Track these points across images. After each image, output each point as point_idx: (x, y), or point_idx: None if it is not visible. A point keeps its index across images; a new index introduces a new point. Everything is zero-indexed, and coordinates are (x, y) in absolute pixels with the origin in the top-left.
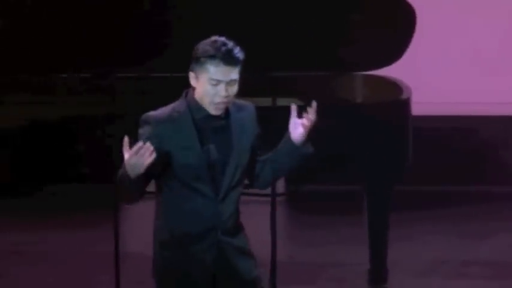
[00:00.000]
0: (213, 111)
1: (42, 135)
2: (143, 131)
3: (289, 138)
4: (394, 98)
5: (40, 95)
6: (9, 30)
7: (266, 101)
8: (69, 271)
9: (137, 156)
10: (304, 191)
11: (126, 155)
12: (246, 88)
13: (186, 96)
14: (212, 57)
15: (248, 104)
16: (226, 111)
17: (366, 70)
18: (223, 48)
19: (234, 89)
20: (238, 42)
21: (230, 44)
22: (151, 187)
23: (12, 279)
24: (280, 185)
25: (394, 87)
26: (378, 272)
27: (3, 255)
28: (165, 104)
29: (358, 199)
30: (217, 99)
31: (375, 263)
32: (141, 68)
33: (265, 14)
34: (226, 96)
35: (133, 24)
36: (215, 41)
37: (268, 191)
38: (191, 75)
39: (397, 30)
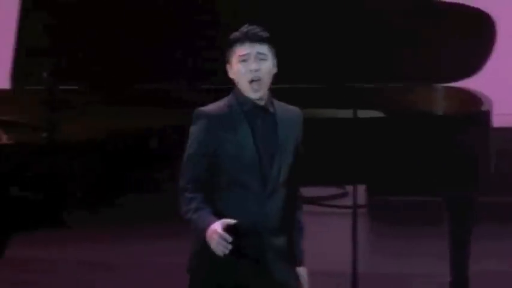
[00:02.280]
0: (251, 93)
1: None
2: (196, 126)
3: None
4: (475, 110)
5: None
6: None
7: (347, 113)
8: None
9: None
10: (386, 202)
11: (215, 235)
12: (326, 99)
13: (233, 91)
14: (237, 38)
15: (295, 108)
16: (272, 105)
17: (446, 82)
18: (246, 29)
19: (265, 64)
20: (315, 52)
21: (254, 26)
22: None
23: None
24: (362, 197)
25: (474, 99)
26: (460, 284)
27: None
28: None
29: (440, 210)
30: (250, 76)
31: (456, 275)
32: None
33: (345, 24)
34: (257, 70)
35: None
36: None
37: (350, 202)
38: (228, 67)
39: (477, 42)
